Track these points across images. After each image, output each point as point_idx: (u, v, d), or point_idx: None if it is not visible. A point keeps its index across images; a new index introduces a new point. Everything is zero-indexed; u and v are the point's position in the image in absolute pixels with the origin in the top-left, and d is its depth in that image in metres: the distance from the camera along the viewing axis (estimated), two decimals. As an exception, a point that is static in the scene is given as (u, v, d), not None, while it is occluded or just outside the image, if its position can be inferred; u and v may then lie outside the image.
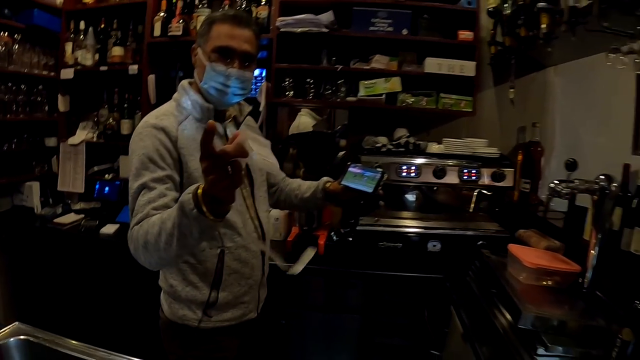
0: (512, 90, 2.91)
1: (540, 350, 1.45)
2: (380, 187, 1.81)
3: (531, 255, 1.84)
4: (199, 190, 1.16)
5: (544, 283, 1.78)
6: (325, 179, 2.03)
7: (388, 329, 2.54)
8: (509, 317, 1.64)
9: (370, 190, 1.79)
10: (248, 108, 1.84)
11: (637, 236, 1.82)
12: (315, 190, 2.01)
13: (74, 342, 1.30)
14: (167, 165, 1.52)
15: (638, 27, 1.75)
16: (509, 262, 1.93)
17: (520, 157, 2.90)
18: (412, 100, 2.95)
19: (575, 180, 1.76)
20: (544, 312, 1.54)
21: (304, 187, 2.06)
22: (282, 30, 2.92)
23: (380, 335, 2.56)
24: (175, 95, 1.72)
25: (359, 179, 1.86)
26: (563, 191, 1.72)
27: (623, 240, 1.89)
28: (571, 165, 2.34)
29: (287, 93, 3.08)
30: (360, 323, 2.53)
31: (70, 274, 2.91)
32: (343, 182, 1.90)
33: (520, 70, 2.98)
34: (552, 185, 1.73)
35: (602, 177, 1.75)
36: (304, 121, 3.31)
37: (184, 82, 1.71)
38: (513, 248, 1.92)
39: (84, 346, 1.29)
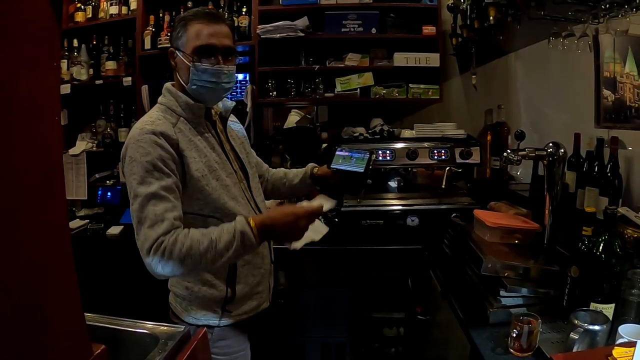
0: (474, 76, 3.17)
1: (502, 292, 1.70)
2: (370, 167, 1.94)
3: (493, 217, 2.07)
4: (252, 223, 1.48)
5: (508, 241, 1.97)
6: (311, 165, 2.11)
7: (377, 299, 2.79)
8: (476, 270, 1.85)
9: (361, 170, 1.92)
10: (232, 104, 1.83)
11: (588, 195, 2.06)
12: (303, 176, 2.08)
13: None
14: (171, 172, 1.51)
15: (570, 13, 2.00)
16: (475, 225, 2.13)
17: (489, 138, 3.15)
18: (384, 92, 3.24)
19: (526, 149, 1.98)
20: (504, 260, 1.77)
21: (290, 175, 2.13)
22: (262, 37, 3.19)
23: (370, 306, 2.81)
24: (161, 99, 1.68)
25: (348, 161, 1.97)
26: (515, 158, 1.93)
27: (578, 200, 2.15)
28: (519, 136, 2.58)
29: (270, 94, 3.35)
30: (350, 296, 2.77)
31: (80, 275, 3.06)
32: (332, 166, 2.00)
33: (484, 57, 3.24)
34: (505, 154, 1.93)
35: (551, 144, 1.95)
36: (293, 119, 3.53)
37: (169, 85, 1.69)
38: (478, 213, 2.14)
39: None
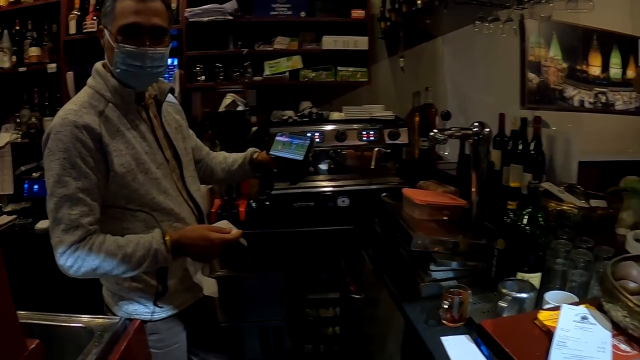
0: (402, 59, 3.22)
1: (432, 266, 1.73)
2: (310, 154, 1.86)
3: (421, 195, 2.11)
4: (168, 242, 1.49)
5: (436, 218, 2.01)
6: (252, 149, 2.02)
7: (312, 281, 2.81)
8: (406, 246, 1.87)
9: (300, 157, 1.83)
10: (168, 85, 1.72)
11: (512, 171, 2.14)
12: (242, 162, 1.99)
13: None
14: (90, 170, 1.43)
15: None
16: (404, 204, 2.17)
17: (417, 119, 3.21)
18: (313, 75, 3.22)
19: (452, 128, 2.02)
20: (432, 236, 1.81)
21: (230, 159, 2.04)
22: (190, 20, 3.09)
23: (306, 288, 2.82)
24: (90, 81, 1.55)
25: (287, 147, 1.87)
26: (441, 138, 1.96)
27: (503, 177, 2.22)
28: (445, 116, 2.65)
29: (199, 78, 3.25)
30: (286, 279, 2.77)
31: (10, 273, 2.90)
32: (271, 152, 1.91)
33: (412, 41, 3.29)
34: (431, 134, 1.97)
35: (476, 124, 2.00)
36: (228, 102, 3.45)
37: (98, 66, 1.55)
38: (406, 191, 2.18)
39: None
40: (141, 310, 1.64)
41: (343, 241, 2.69)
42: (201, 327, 1.89)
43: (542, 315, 1.00)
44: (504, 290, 1.42)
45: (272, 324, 2.85)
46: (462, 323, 1.55)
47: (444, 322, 1.56)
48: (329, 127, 2.87)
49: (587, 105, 3.46)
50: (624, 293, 0.98)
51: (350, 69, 3.26)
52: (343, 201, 2.73)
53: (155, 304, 1.64)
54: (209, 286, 1.85)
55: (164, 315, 1.67)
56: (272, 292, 2.78)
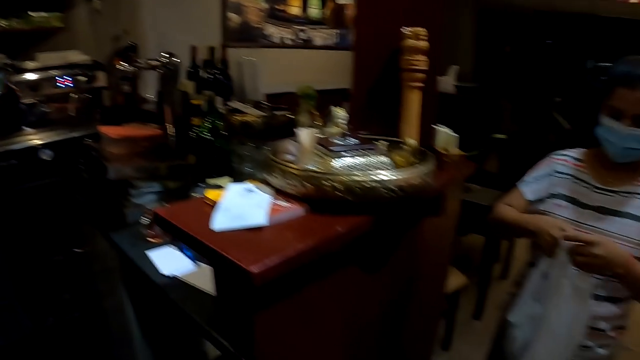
0: (98, 1, 3.09)
1: (133, 192, 1.78)
2: None
3: (118, 131, 2.11)
4: None
5: (136, 150, 2.02)
6: None
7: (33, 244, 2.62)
8: (109, 179, 1.85)
9: None
10: None
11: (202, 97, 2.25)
12: None
13: None
14: None
15: None
16: (104, 142, 2.12)
17: (117, 63, 3.13)
18: (6, 23, 2.90)
19: (140, 59, 2.05)
20: (130, 165, 1.84)
21: None
22: None
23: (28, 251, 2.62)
24: None
25: None
26: (128, 70, 1.98)
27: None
28: (131, 48, 2.66)
29: None
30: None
31: None
32: None
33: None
34: (118, 66, 1.97)
35: (165, 54, 2.06)
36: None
37: None
38: (103, 129, 2.15)
39: None
40: None
41: (52, 195, 2.55)
42: None
43: (211, 194, 1.12)
44: (194, 194, 1.54)
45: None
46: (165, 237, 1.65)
47: (149, 239, 1.63)
48: (26, 77, 2.64)
49: (288, 42, 3.79)
50: (277, 160, 1.15)
51: (44, 14, 3.01)
52: (47, 154, 2.57)
53: None
54: None
55: None
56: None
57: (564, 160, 1.56)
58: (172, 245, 1.62)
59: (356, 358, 1.47)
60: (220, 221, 0.99)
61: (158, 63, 2.06)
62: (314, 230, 1.00)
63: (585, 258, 1.24)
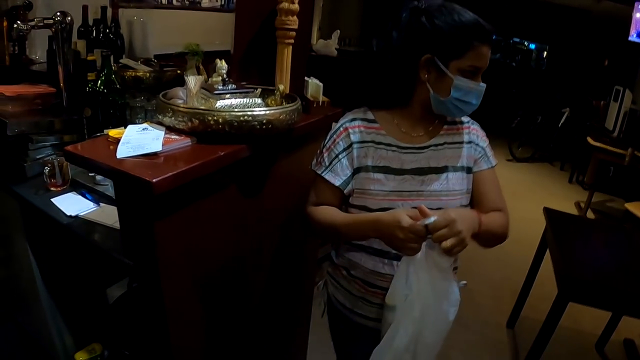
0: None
1: (31, 146, 1.88)
2: None
3: (12, 89, 2.16)
4: None
5: (31, 107, 2.07)
6: None
7: None
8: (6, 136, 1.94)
9: None
10: None
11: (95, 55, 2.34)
12: None
13: None
14: None
15: None
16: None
17: (5, 24, 3.07)
18: None
19: (36, 19, 2.09)
20: (26, 120, 1.91)
21: None
22: None
23: None
24: None
25: None
26: (25, 28, 2.02)
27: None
28: (27, 6, 2.68)
29: None
30: None
31: None
32: None
33: None
34: (15, 25, 2.01)
35: (59, 13, 2.10)
36: None
37: None
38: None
39: None
40: None
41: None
42: None
43: (113, 133, 1.30)
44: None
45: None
46: (67, 186, 1.81)
47: (51, 188, 1.77)
48: None
49: (175, 3, 3.87)
50: (169, 102, 1.36)
51: None
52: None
53: None
54: None
55: None
56: None
57: (357, 127, 1.39)
58: (73, 192, 1.79)
59: (246, 277, 1.73)
60: (122, 151, 1.20)
61: (52, 21, 2.11)
62: (200, 155, 1.25)
63: (452, 240, 1.12)
